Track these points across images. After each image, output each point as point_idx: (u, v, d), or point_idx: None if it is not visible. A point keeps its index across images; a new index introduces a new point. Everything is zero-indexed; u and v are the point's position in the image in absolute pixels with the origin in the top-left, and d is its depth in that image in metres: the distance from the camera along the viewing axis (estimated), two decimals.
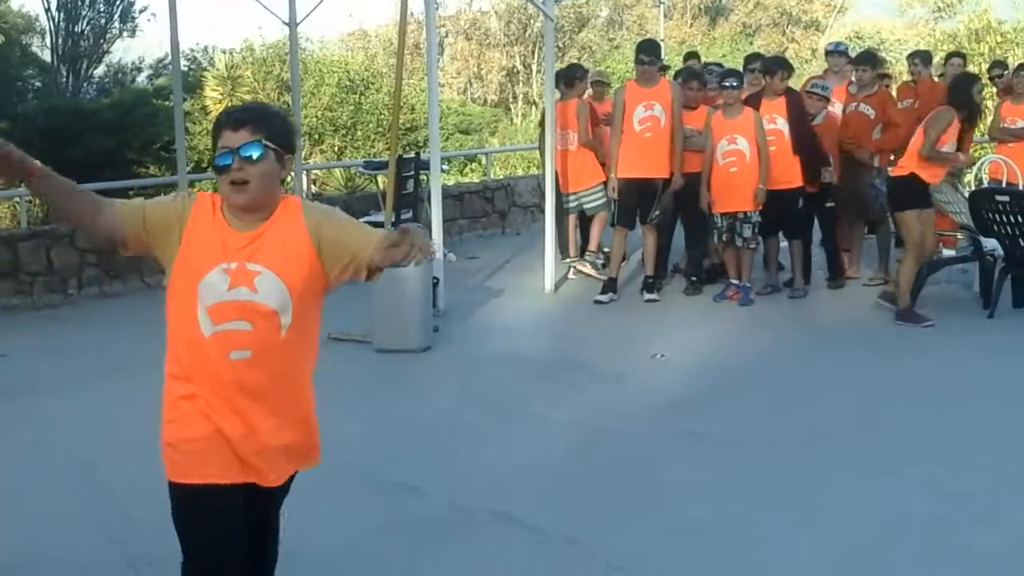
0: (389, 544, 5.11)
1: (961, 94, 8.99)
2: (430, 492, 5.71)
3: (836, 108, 10.42)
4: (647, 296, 10.11)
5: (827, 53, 11.47)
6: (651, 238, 10.15)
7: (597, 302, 10.03)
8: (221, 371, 3.33)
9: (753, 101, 10.07)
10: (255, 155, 3.26)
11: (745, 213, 9.77)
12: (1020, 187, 10.09)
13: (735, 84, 9.89)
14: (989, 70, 13.34)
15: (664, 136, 9.85)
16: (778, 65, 10.39)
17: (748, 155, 9.69)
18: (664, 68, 12.20)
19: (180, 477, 3.36)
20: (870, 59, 10.86)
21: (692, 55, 13.85)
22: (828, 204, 10.29)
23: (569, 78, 11.34)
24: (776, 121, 9.94)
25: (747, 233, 9.79)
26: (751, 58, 11.77)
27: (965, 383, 7.55)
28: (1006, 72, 12.47)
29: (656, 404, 7.07)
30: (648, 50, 10.21)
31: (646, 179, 9.90)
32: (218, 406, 3.34)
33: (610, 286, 10.22)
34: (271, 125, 3.32)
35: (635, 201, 9.97)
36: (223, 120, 3.33)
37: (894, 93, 11.64)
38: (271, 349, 3.36)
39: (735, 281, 10.00)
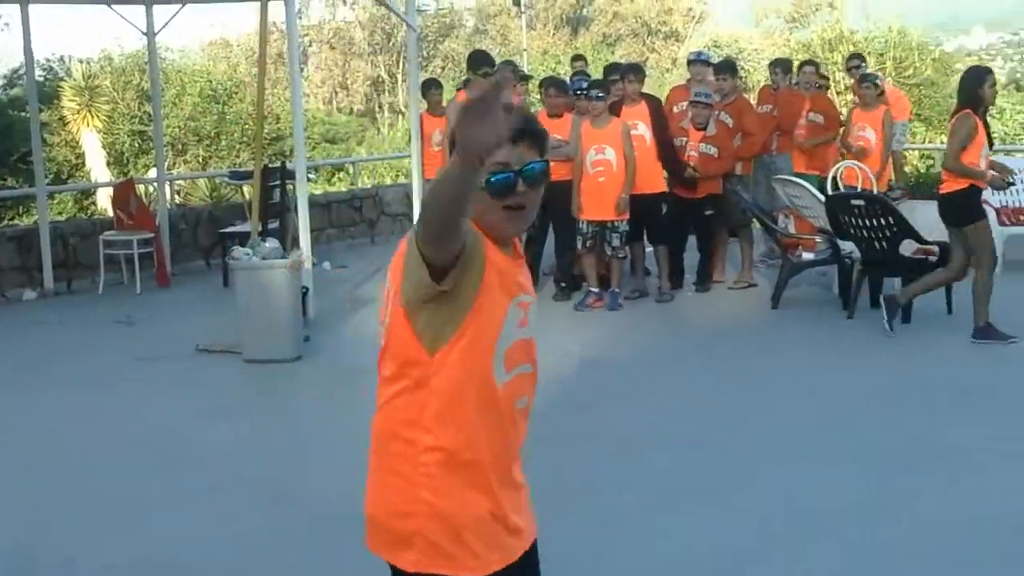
0: (261, 551, 5.07)
1: (970, 93, 8.50)
2: (306, 500, 5.68)
3: None
4: None
5: (689, 62, 11.69)
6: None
7: None
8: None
9: (614, 108, 10.22)
10: (539, 178, 2.64)
11: (613, 222, 9.88)
12: (874, 191, 10.41)
13: (601, 96, 10.02)
14: (847, 61, 13.79)
15: None
16: (627, 70, 10.64)
17: (615, 165, 9.81)
18: (526, 78, 12.39)
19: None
20: (730, 68, 11.16)
21: (579, 57, 13.90)
22: (708, 212, 10.48)
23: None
24: (638, 127, 10.10)
25: (616, 242, 9.88)
26: (611, 68, 12.02)
27: (826, 380, 7.79)
28: (863, 64, 12.85)
29: (537, 406, 7.11)
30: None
31: None
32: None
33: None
34: (544, 139, 2.69)
35: None
36: None
37: (754, 99, 11.93)
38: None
39: (595, 289, 10.04)
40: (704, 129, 10.36)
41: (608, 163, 9.91)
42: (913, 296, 8.93)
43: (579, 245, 10.06)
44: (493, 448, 2.69)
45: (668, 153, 10.24)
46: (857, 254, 9.56)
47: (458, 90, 11.78)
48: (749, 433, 6.67)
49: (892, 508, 5.39)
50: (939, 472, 5.89)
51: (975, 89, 8.44)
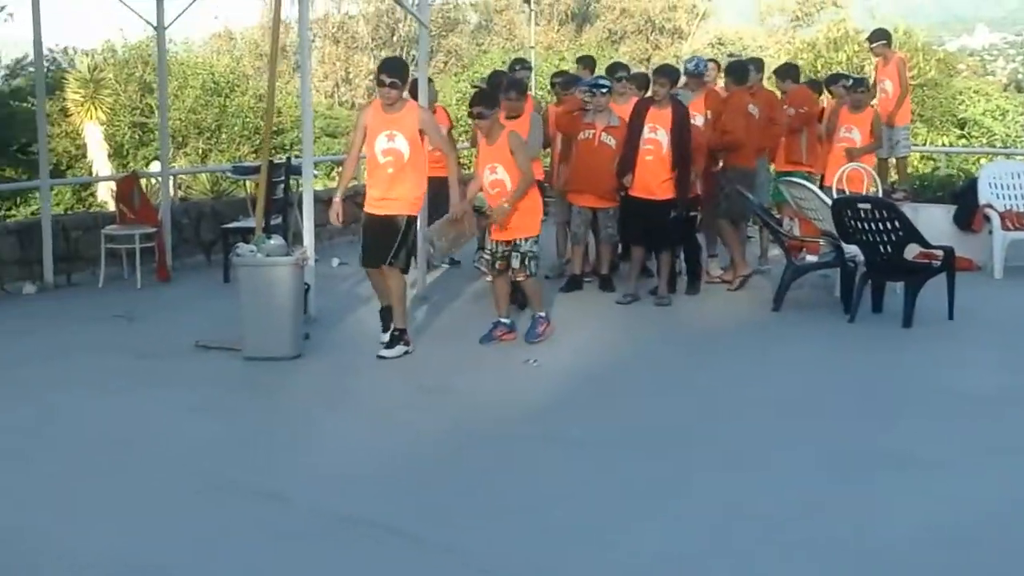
0: (253, 553, 5.03)
1: None
2: (296, 500, 5.65)
3: (698, 121, 10.59)
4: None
5: (685, 72, 11.43)
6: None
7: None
8: None
9: (643, 107, 10.18)
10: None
11: (514, 241, 8.85)
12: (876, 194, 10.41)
13: (605, 89, 10.26)
14: (827, 80, 13.66)
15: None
16: (657, 72, 10.45)
17: (508, 183, 8.86)
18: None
19: None
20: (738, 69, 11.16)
21: (586, 59, 13.72)
22: (692, 214, 10.46)
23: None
24: (657, 131, 10.01)
25: (515, 263, 8.75)
26: (613, 68, 12.01)
27: (822, 385, 7.78)
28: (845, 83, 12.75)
29: (524, 409, 7.12)
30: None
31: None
32: None
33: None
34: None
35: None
36: None
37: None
38: None
39: (505, 320, 9.01)
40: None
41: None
42: None
43: (488, 267, 9.10)
44: None
45: (681, 164, 10.03)
46: (861, 258, 9.54)
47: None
48: (734, 433, 6.67)
49: (864, 516, 5.38)
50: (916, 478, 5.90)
51: None
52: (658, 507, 5.53)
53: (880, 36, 13.83)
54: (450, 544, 5.07)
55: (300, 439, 6.64)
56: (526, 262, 8.73)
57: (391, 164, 8.32)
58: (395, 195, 8.35)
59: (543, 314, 9.00)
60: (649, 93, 10.58)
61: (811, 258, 10.12)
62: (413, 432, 6.66)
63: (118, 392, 7.55)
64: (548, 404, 7.28)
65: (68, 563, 4.93)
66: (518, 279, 8.82)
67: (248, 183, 13.57)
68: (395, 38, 39.45)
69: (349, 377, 8.11)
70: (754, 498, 5.62)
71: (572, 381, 7.83)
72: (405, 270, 8.56)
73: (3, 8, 28.30)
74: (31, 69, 26.03)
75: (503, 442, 6.56)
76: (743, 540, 5.11)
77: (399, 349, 8.47)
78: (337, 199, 8.50)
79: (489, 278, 9.54)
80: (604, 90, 10.41)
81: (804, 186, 10.34)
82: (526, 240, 8.74)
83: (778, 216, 11.25)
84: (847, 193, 10.67)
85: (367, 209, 8.54)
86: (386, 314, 8.71)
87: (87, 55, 27.76)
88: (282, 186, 11.70)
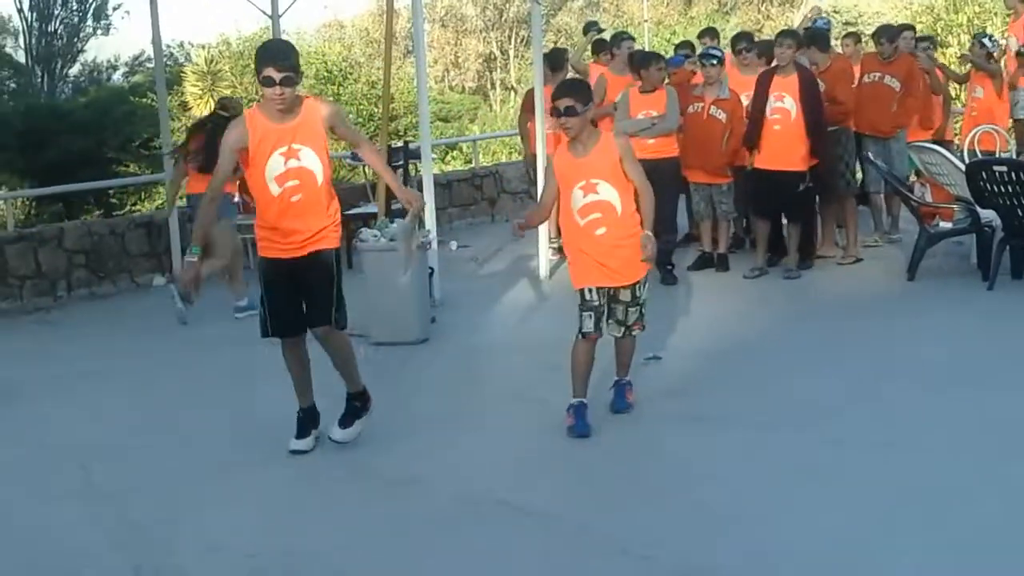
0: (395, 539, 5.02)
1: None
2: (435, 484, 5.63)
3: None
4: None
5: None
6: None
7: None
8: None
9: (766, 76, 9.93)
10: None
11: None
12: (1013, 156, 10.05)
13: (715, 59, 10.15)
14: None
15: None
16: (781, 34, 10.21)
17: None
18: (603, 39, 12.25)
19: None
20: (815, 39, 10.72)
21: (709, 31, 13.32)
22: (810, 185, 10.08)
23: (556, 62, 11.30)
24: (784, 99, 9.72)
25: (631, 316, 6.42)
26: (739, 37, 11.65)
27: (969, 355, 7.51)
28: (929, 46, 12.24)
29: (658, 388, 6.99)
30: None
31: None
32: None
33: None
34: None
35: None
36: None
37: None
38: None
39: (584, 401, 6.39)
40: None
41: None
42: None
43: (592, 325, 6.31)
44: None
45: (816, 131, 9.73)
46: (998, 223, 9.21)
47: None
48: (877, 409, 6.46)
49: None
50: None
51: None
52: (818, 488, 5.36)
53: None
54: (610, 531, 4.95)
55: (435, 423, 6.61)
56: (642, 312, 6.47)
57: (299, 190, 5.77)
58: (315, 226, 5.85)
59: (629, 379, 6.71)
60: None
61: (945, 225, 9.78)
62: (547, 412, 6.57)
63: (254, 382, 7.59)
64: (687, 383, 7.14)
65: (234, 551, 4.97)
66: (634, 333, 6.49)
67: (366, 169, 13.62)
68: (503, 19, 39.34)
69: (478, 359, 8.07)
70: (918, 478, 5.41)
71: (710, 359, 7.66)
72: (346, 324, 6.08)
73: (120, 6, 28.95)
74: (149, 65, 26.49)
75: (644, 422, 6.45)
76: (913, 523, 4.90)
77: (357, 426, 6.20)
78: (196, 264, 6.03)
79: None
80: (714, 61, 10.19)
81: (935, 151, 10.02)
82: (644, 284, 6.42)
83: (911, 183, 10.91)
84: (979, 155, 10.32)
85: (267, 254, 5.97)
86: (308, 417, 6.23)
87: (203, 48, 28.17)
88: (401, 170, 11.72)
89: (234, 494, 5.68)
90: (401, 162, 11.69)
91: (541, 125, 10.49)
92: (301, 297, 5.91)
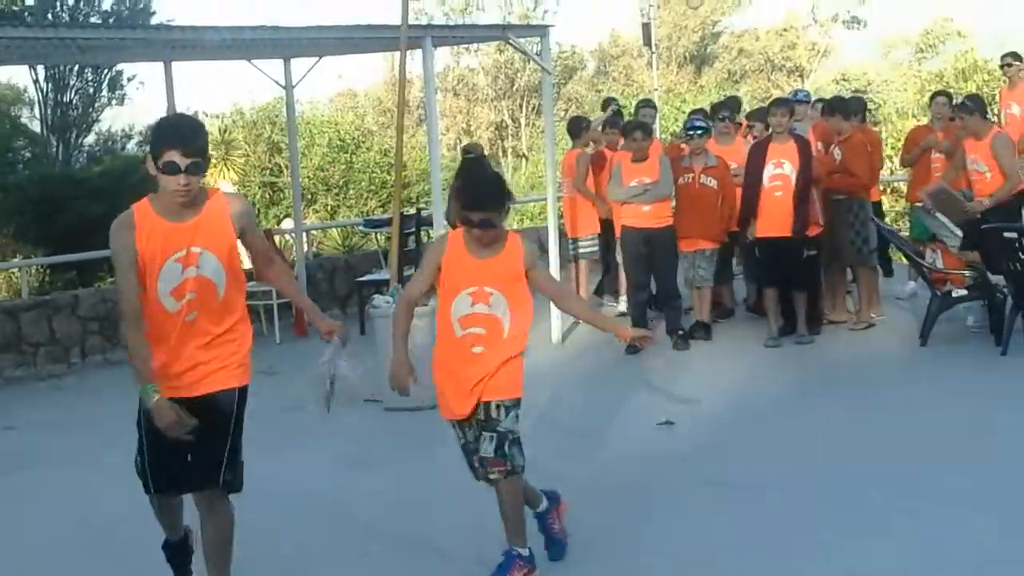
0: None
1: None
2: (453, 551, 5.63)
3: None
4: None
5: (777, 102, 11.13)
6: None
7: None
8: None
9: (760, 146, 10.04)
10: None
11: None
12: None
13: (701, 131, 10.33)
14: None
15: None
16: (774, 103, 10.40)
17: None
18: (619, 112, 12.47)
19: None
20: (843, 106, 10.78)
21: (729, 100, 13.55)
22: (811, 253, 10.14)
23: (574, 129, 11.61)
24: (783, 165, 9.82)
25: (488, 449, 5.27)
26: (718, 106, 11.96)
27: (987, 422, 7.51)
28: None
29: (681, 455, 6.99)
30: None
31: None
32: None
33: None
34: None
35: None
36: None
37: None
38: None
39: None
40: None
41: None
42: None
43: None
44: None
45: (804, 199, 9.80)
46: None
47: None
48: (895, 475, 6.47)
49: None
50: None
51: None
52: (849, 553, 5.38)
53: (1014, 56, 13.38)
54: None
55: (451, 489, 6.60)
56: (506, 448, 5.17)
57: (194, 306, 4.57)
58: (212, 357, 4.67)
59: (525, 551, 5.25)
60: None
61: (959, 291, 9.76)
62: (562, 483, 6.53)
63: (273, 447, 7.59)
64: (706, 449, 7.15)
65: None
66: (493, 476, 5.20)
67: (379, 236, 13.72)
68: (515, 88, 39.70)
69: None
70: (940, 546, 5.41)
71: (729, 426, 7.70)
72: (240, 488, 4.83)
73: (134, 77, 29.24)
74: None
75: (666, 490, 6.44)
76: None
77: None
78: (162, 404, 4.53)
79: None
80: (699, 132, 10.31)
81: (935, 217, 10.05)
82: (508, 406, 5.23)
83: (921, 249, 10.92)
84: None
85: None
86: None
87: (217, 118, 28.43)
88: (413, 237, 11.81)
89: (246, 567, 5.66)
90: (413, 229, 11.78)
91: (552, 189, 10.64)
92: (197, 448, 4.59)
